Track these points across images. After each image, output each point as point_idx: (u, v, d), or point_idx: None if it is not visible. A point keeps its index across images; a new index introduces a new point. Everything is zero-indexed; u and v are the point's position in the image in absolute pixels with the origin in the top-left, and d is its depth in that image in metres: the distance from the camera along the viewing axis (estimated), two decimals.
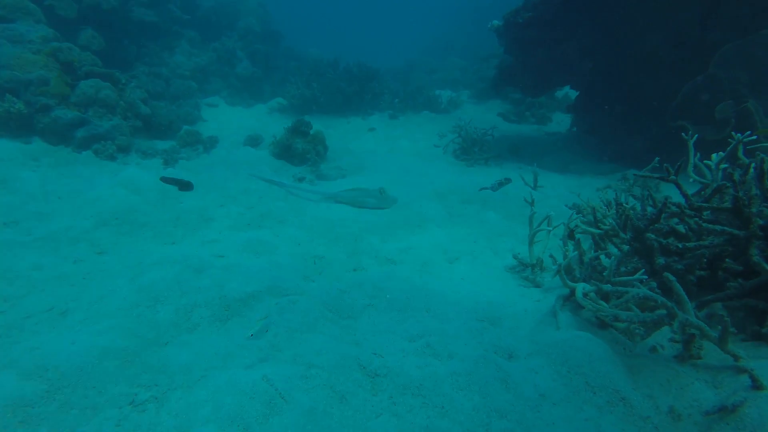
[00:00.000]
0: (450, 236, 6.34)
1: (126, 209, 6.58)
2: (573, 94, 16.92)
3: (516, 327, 4.10)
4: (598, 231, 4.74)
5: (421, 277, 5.13)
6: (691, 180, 5.76)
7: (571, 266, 4.84)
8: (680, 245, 3.94)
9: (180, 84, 13.73)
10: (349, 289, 4.70)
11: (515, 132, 13.90)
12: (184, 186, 7.63)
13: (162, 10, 14.57)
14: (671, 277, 3.28)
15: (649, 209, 4.49)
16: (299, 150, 9.56)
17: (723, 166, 4.58)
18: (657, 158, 8.03)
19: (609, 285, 3.77)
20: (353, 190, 7.73)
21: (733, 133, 4.83)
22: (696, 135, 5.85)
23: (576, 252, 4.76)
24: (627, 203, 5.63)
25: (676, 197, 4.34)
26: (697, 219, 4.00)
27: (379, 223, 6.60)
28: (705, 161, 4.81)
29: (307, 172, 9.12)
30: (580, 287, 4.07)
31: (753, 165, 3.86)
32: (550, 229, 5.15)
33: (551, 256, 5.43)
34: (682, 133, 5.90)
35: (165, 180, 7.78)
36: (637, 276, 3.69)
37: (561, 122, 15.40)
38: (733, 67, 8.68)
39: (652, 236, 4.11)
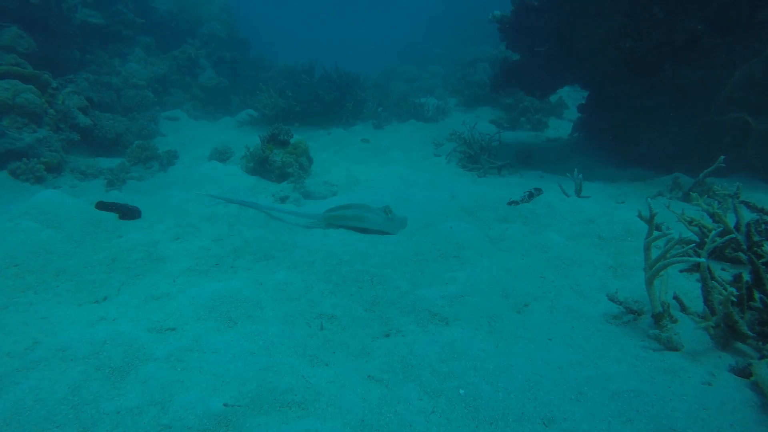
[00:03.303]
0: (505, 269, 4.38)
1: (33, 250, 4.36)
2: (571, 96, 15.50)
3: None
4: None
5: (497, 346, 3.13)
6: None
7: (731, 314, 2.96)
8: None
9: (134, 94, 11.45)
10: (391, 381, 2.67)
11: (513, 139, 12.20)
12: (127, 213, 5.46)
13: (111, 11, 12.32)
14: None
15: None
16: (278, 163, 7.47)
17: None
18: (722, 156, 6.38)
19: None
20: (350, 207, 5.69)
21: None
22: None
23: (733, 288, 2.88)
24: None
25: None
26: None
27: (402, 255, 4.58)
28: None
29: (290, 190, 7.03)
30: None
31: None
32: (681, 260, 3.23)
33: (676, 297, 3.54)
34: None
35: (102, 206, 5.60)
36: None
37: (558, 128, 13.86)
38: None
39: None
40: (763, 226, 3.79)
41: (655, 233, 3.28)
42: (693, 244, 3.28)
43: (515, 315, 3.68)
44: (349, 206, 5.72)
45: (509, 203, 6.23)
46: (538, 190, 6.65)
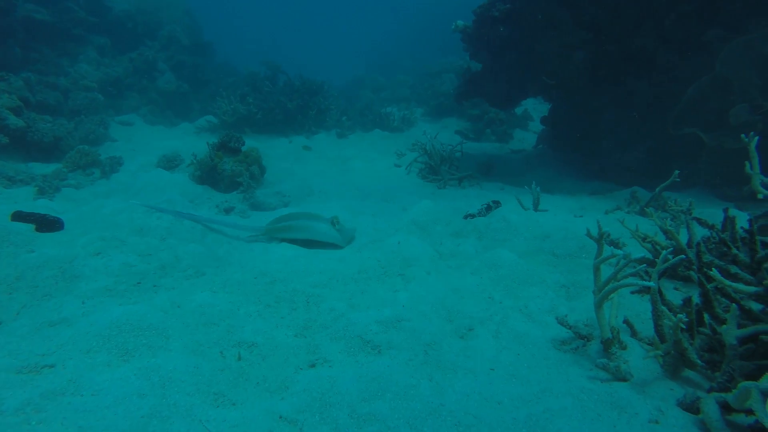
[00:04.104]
0: (450, 288, 4.07)
1: None
2: (536, 109, 15.52)
3: None
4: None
5: (430, 379, 2.79)
6: (760, 196, 3.93)
7: (681, 341, 2.72)
8: None
9: (82, 97, 10.80)
10: (306, 424, 2.31)
11: (478, 150, 12.05)
12: (46, 225, 4.96)
13: (59, 8, 11.66)
14: None
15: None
16: (228, 172, 7.03)
17: None
18: (677, 171, 6.28)
19: None
20: (295, 217, 5.30)
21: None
22: (757, 137, 4.06)
23: (683, 314, 2.63)
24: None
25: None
26: None
27: (343, 273, 4.23)
28: None
29: (237, 201, 6.61)
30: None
31: None
32: (636, 284, 2.96)
33: (626, 321, 3.29)
34: (743, 135, 4.08)
35: (19, 217, 5.08)
36: None
37: (523, 139, 13.80)
38: (742, 66, 7.16)
39: None
40: (713, 244, 3.60)
41: (605, 253, 3.02)
42: (644, 265, 3.06)
43: (457, 341, 3.36)
44: (294, 216, 5.34)
45: (466, 216, 5.97)
46: (497, 203, 6.42)
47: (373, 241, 5.04)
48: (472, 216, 5.99)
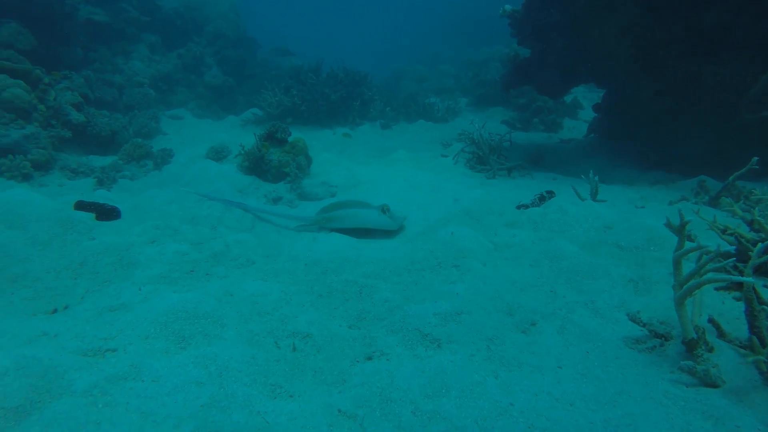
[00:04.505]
0: (509, 280, 3.86)
1: None
2: (586, 96, 14.87)
3: None
4: None
5: (496, 376, 2.60)
6: None
7: None
8: None
9: (136, 93, 11.14)
10: (366, 419, 2.18)
11: (525, 140, 11.63)
12: (105, 213, 5.06)
13: (115, 9, 12.05)
14: None
15: None
16: (275, 162, 7.03)
17: None
18: (755, 158, 5.76)
19: None
20: (344, 205, 5.23)
21: None
22: None
23: None
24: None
25: None
26: None
27: (396, 264, 4.08)
28: None
29: (284, 191, 6.58)
30: None
31: None
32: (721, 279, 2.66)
33: (712, 320, 2.98)
34: None
35: (80, 206, 5.22)
36: None
37: (573, 128, 13.22)
38: None
39: None
40: None
41: (687, 245, 2.73)
42: (732, 259, 2.75)
43: (520, 336, 3.15)
44: (343, 204, 5.26)
45: (518, 207, 5.70)
46: (550, 193, 6.11)
47: (424, 231, 4.87)
48: (525, 206, 5.72)
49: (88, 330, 2.84)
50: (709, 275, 2.55)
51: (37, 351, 2.34)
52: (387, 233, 4.96)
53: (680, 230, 2.78)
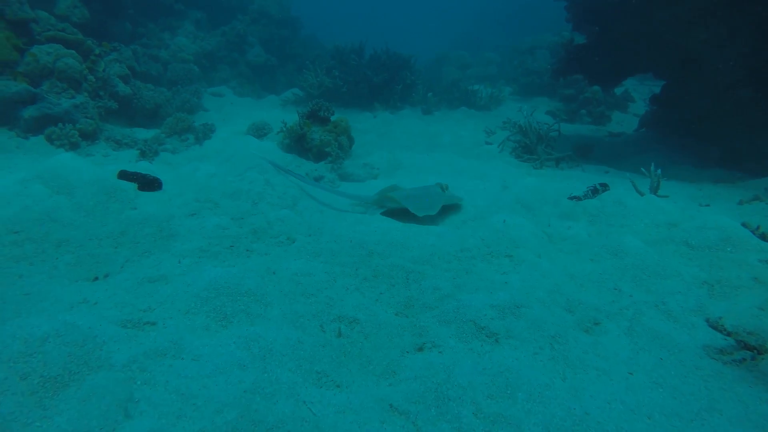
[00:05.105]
0: (568, 275, 3.54)
1: (37, 217, 3.92)
2: (636, 89, 14.11)
3: None
4: None
5: (564, 379, 2.33)
6: None
7: None
8: None
9: (180, 68, 11.15)
10: (420, 417, 1.95)
11: (572, 131, 11.08)
12: (147, 184, 4.98)
13: None
14: None
15: None
16: (316, 141, 6.83)
17: None
18: None
19: None
20: (403, 189, 5.07)
21: None
22: None
23: None
24: None
25: None
26: None
27: (444, 250, 3.82)
28: None
29: (326, 170, 6.39)
30: None
31: None
32: None
33: None
34: None
35: (124, 176, 5.16)
36: None
37: (622, 122, 12.54)
38: None
39: None
40: None
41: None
42: None
43: (583, 336, 2.85)
44: (399, 187, 5.11)
45: (570, 198, 5.33)
46: (604, 186, 5.69)
47: (474, 218, 4.58)
48: (578, 198, 5.35)
49: (129, 300, 2.71)
50: None
51: (78, 318, 2.20)
52: (433, 219, 4.70)
53: None
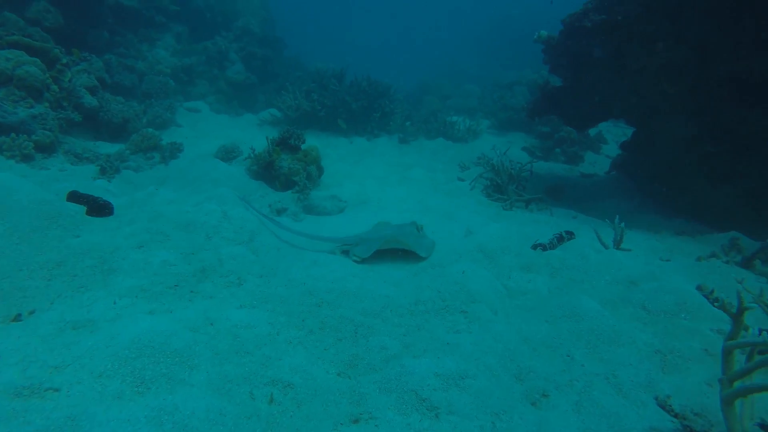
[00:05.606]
0: (521, 337, 3.43)
1: None
2: (610, 131, 14.42)
3: None
4: None
5: None
6: None
7: None
8: None
9: (155, 81, 10.90)
10: None
11: (545, 170, 11.19)
12: (97, 209, 4.72)
13: None
14: None
15: None
16: (284, 169, 6.68)
17: None
18: None
19: None
20: (381, 226, 5.10)
21: None
22: None
23: None
24: None
25: None
26: None
27: (398, 303, 3.67)
28: None
29: (291, 201, 6.21)
30: None
31: None
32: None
33: (764, 425, 2.53)
34: None
35: (73, 198, 4.90)
36: None
37: (595, 163, 12.74)
38: None
39: None
40: None
41: (743, 337, 2.29)
42: None
43: (530, 410, 2.72)
44: (379, 227, 5.10)
45: (535, 246, 5.27)
46: (570, 234, 5.67)
47: (433, 265, 4.45)
48: (543, 247, 5.29)
49: (40, 353, 2.48)
50: None
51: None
52: (394, 262, 4.56)
53: (738, 316, 2.34)
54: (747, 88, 6.71)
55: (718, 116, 7.09)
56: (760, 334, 2.89)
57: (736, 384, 2.30)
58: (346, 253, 4.70)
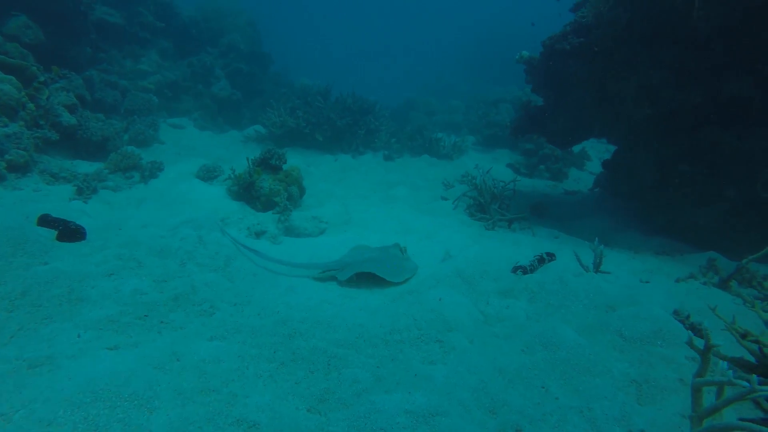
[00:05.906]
0: (496, 368, 3.38)
1: None
2: (594, 148, 14.59)
3: None
4: None
5: None
6: None
7: None
8: None
9: (138, 97, 10.82)
10: None
11: (529, 187, 11.27)
12: (68, 234, 4.62)
13: (131, 12, 11.84)
14: None
15: None
16: (265, 190, 6.62)
17: None
18: None
19: None
20: (361, 249, 5.07)
21: None
22: None
23: None
24: None
25: None
26: None
27: (372, 332, 3.61)
28: None
29: (271, 222, 6.14)
30: None
31: None
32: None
33: None
34: None
35: (44, 222, 4.80)
36: None
37: (579, 180, 12.87)
38: None
39: None
40: None
41: (709, 376, 2.27)
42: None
43: None
44: (360, 249, 5.07)
45: (515, 269, 5.25)
46: (551, 256, 5.67)
47: (410, 291, 4.41)
48: (523, 269, 5.27)
49: None
50: (744, 425, 2.08)
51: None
52: (371, 289, 4.51)
53: (705, 353, 2.33)
54: (721, 109, 6.84)
55: (694, 137, 7.20)
56: (729, 368, 2.87)
57: (706, 422, 2.27)
58: (321, 279, 4.65)
